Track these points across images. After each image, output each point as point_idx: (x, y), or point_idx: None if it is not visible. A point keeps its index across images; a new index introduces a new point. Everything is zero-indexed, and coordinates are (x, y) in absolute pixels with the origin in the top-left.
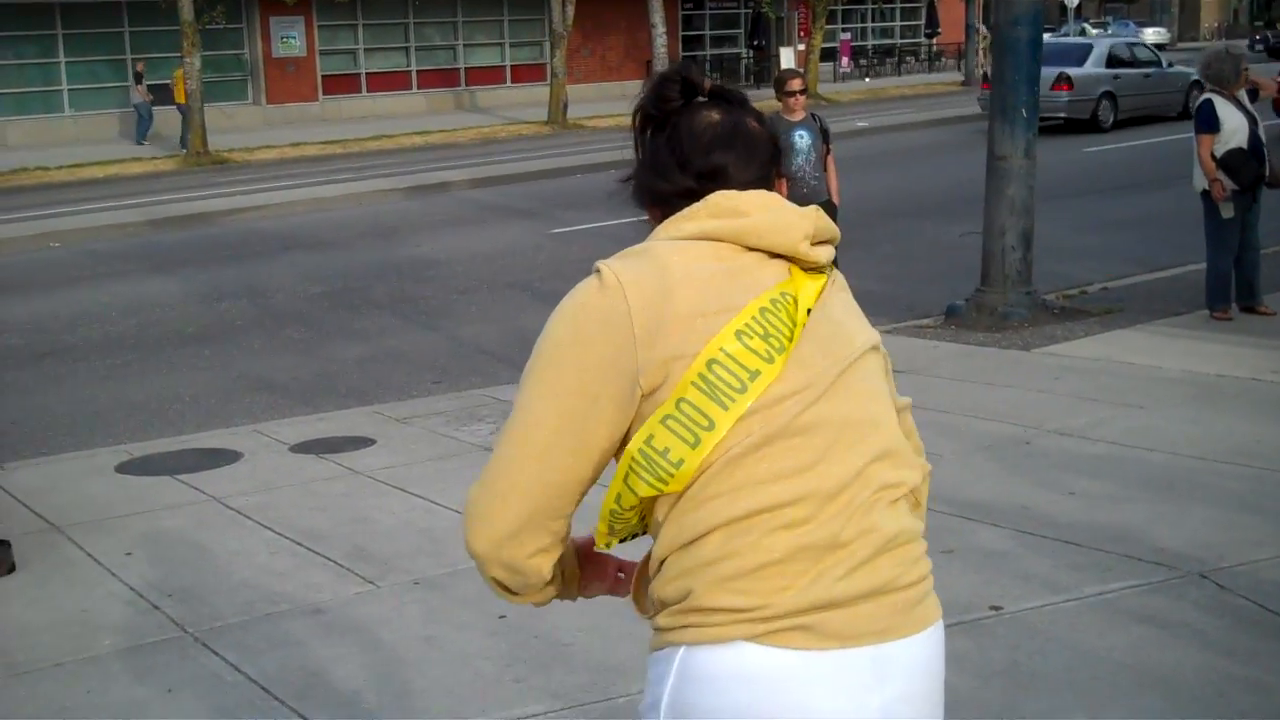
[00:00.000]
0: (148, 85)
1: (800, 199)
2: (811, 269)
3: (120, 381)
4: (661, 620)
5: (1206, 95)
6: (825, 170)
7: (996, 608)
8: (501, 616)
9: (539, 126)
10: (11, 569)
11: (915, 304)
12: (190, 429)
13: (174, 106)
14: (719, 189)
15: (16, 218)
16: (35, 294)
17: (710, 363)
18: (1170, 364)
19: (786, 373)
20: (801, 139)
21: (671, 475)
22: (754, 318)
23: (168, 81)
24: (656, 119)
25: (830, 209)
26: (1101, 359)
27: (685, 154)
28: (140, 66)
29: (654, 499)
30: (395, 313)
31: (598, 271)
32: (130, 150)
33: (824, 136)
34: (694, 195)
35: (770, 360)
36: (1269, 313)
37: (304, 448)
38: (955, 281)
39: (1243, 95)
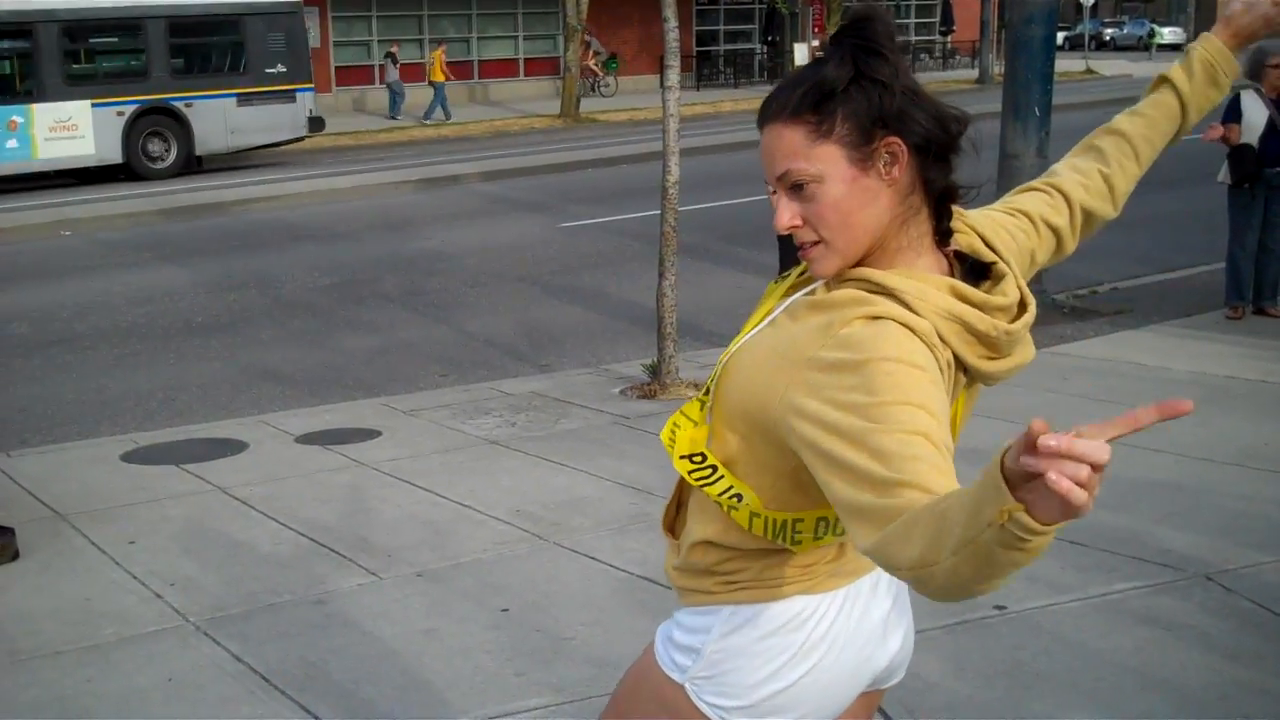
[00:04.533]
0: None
1: None
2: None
3: (128, 370)
4: (708, 584)
5: (1237, 90)
6: None
7: (1000, 607)
8: (504, 610)
9: (551, 120)
10: (15, 556)
11: None
12: (197, 419)
13: (428, 84)
14: None
15: (28, 205)
16: (45, 282)
17: None
18: (1180, 365)
19: None
20: None
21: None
22: None
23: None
24: None
25: None
26: (1111, 359)
27: None
28: (395, 48)
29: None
30: (404, 305)
31: (928, 346)
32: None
33: None
34: None
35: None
36: (1279, 315)
37: (310, 439)
38: None
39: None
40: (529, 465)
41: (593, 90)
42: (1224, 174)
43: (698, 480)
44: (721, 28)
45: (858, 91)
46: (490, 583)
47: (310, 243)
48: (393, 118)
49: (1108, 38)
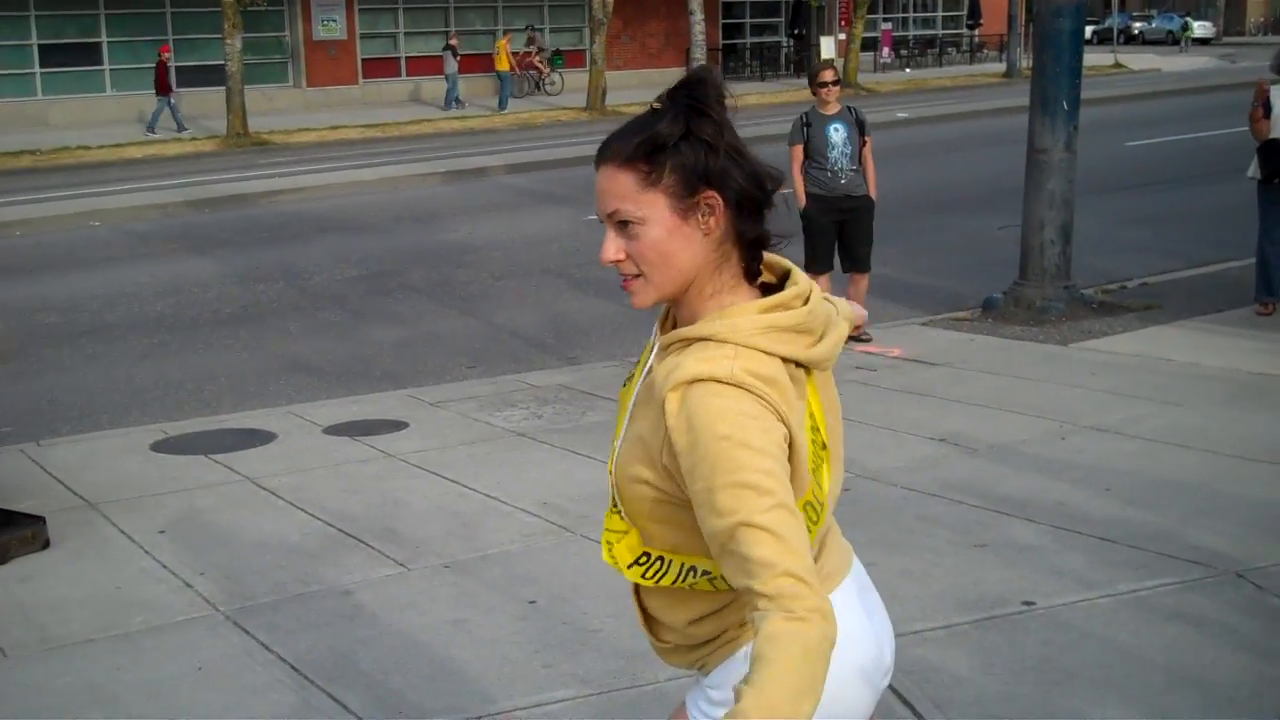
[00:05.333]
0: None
1: (838, 191)
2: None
3: (157, 361)
4: (719, 643)
5: (1273, 85)
6: (862, 164)
7: (1029, 603)
8: (531, 602)
9: (577, 113)
10: (46, 545)
11: (952, 297)
12: (226, 409)
13: (493, 74)
14: None
15: (58, 196)
16: (75, 272)
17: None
18: (1209, 361)
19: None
20: (836, 132)
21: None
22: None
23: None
24: None
25: (867, 203)
26: (1140, 355)
27: None
28: (454, 40)
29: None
30: (431, 297)
31: (759, 400)
32: (171, 130)
33: (860, 129)
34: None
35: (822, 487)
36: None
37: (338, 430)
38: (993, 275)
39: None
40: (556, 457)
41: (537, 88)
42: (1254, 169)
43: (654, 578)
44: (748, 20)
45: (686, 147)
46: (517, 574)
47: (337, 234)
48: (448, 108)
49: (1136, 32)
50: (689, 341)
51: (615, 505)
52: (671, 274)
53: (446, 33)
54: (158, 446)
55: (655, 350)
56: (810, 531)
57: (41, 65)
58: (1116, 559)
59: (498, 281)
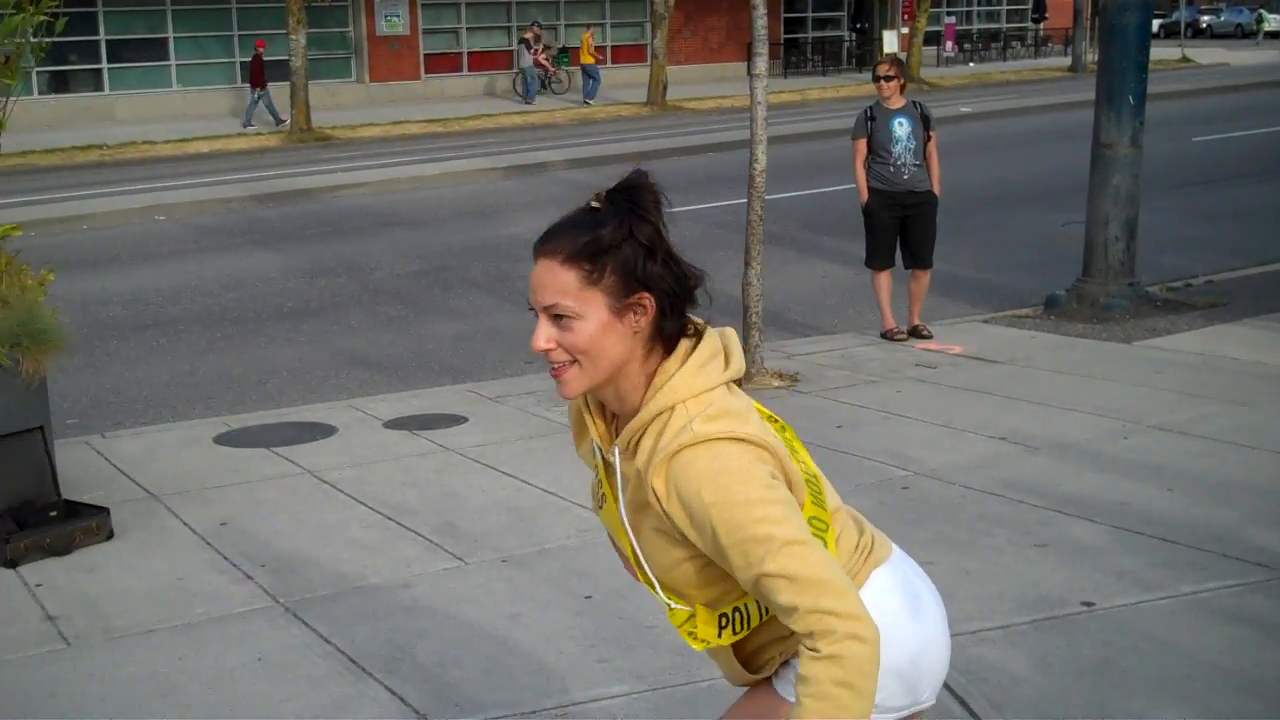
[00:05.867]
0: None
1: (900, 187)
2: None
3: (220, 354)
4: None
5: None
6: (926, 158)
7: (1089, 604)
8: (587, 597)
9: (638, 108)
10: (110, 536)
11: (1014, 293)
12: (287, 402)
13: (579, 67)
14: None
15: (124, 190)
16: (140, 266)
17: (806, 481)
18: (1275, 359)
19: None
20: (901, 126)
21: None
22: (781, 442)
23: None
24: None
25: (931, 199)
26: (1204, 353)
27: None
28: (528, 34)
29: None
30: (491, 292)
31: (742, 441)
32: (236, 125)
33: (925, 124)
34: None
35: (807, 463)
36: None
37: (398, 424)
38: (1056, 271)
39: None
40: None
41: (544, 87)
42: None
43: (744, 628)
44: (810, 14)
45: (628, 250)
46: (574, 569)
47: (399, 229)
48: (528, 102)
49: (1204, 25)
50: (642, 429)
51: (668, 604)
52: (603, 366)
53: (516, 27)
54: (220, 439)
55: (617, 459)
56: (824, 500)
57: (109, 61)
58: (1178, 560)
59: None
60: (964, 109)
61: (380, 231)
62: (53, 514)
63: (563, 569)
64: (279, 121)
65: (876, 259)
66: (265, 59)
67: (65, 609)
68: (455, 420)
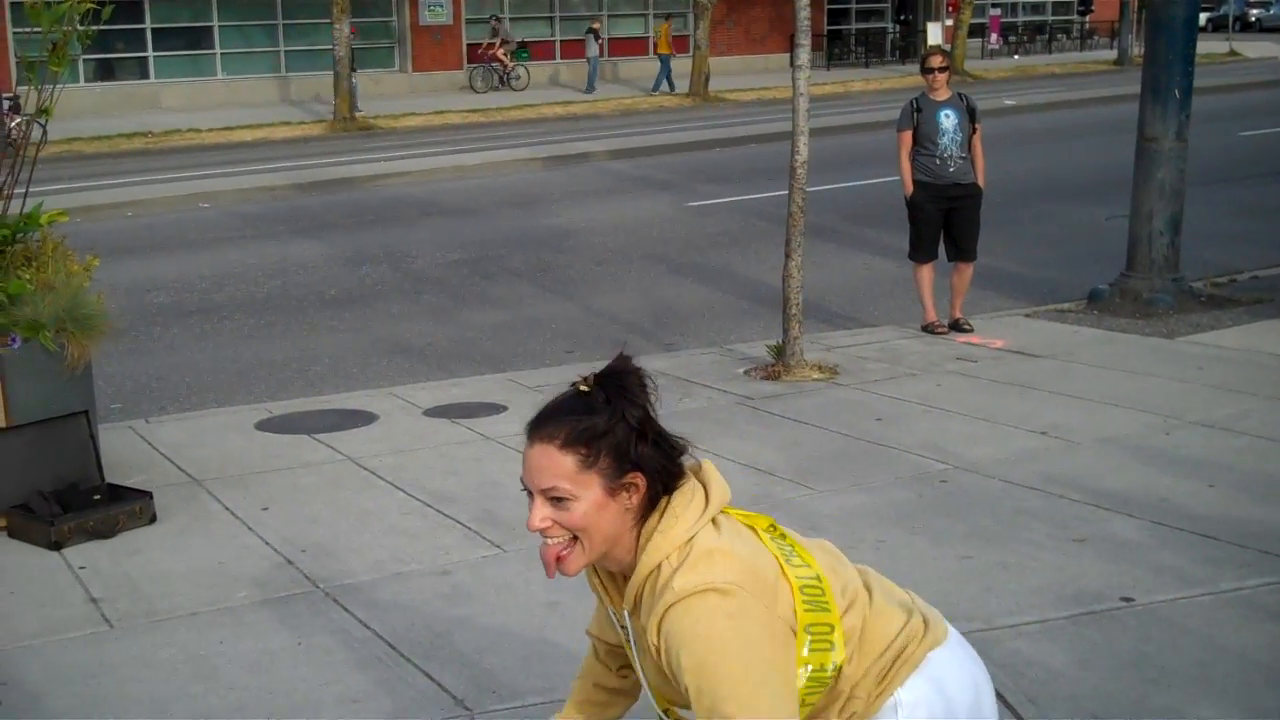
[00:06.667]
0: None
1: (946, 179)
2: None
3: (263, 341)
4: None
5: None
6: (971, 151)
7: (1128, 599)
8: None
9: (680, 99)
10: (153, 520)
11: (1057, 288)
12: (329, 389)
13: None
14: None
15: (169, 178)
16: (184, 253)
17: (800, 589)
18: None
19: (826, 569)
20: (948, 118)
21: (834, 671)
22: (777, 549)
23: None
24: None
25: (975, 191)
26: (1248, 349)
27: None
28: (596, 25)
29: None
30: (531, 281)
31: (717, 590)
32: (279, 114)
33: (971, 116)
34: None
35: (809, 565)
36: None
37: (438, 412)
38: (1099, 266)
39: None
40: None
41: (502, 83)
42: None
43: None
44: (853, 6)
45: (620, 433)
46: None
47: (440, 218)
48: (587, 92)
49: (1253, 19)
50: (640, 588)
51: None
52: (598, 541)
53: (560, 18)
54: (262, 425)
55: (629, 621)
56: (827, 603)
57: (154, 49)
58: (1219, 556)
59: (597, 266)
60: (1008, 101)
61: (422, 220)
62: (96, 497)
63: None
64: (354, 110)
65: (920, 251)
66: (309, 49)
67: (108, 591)
68: (495, 409)
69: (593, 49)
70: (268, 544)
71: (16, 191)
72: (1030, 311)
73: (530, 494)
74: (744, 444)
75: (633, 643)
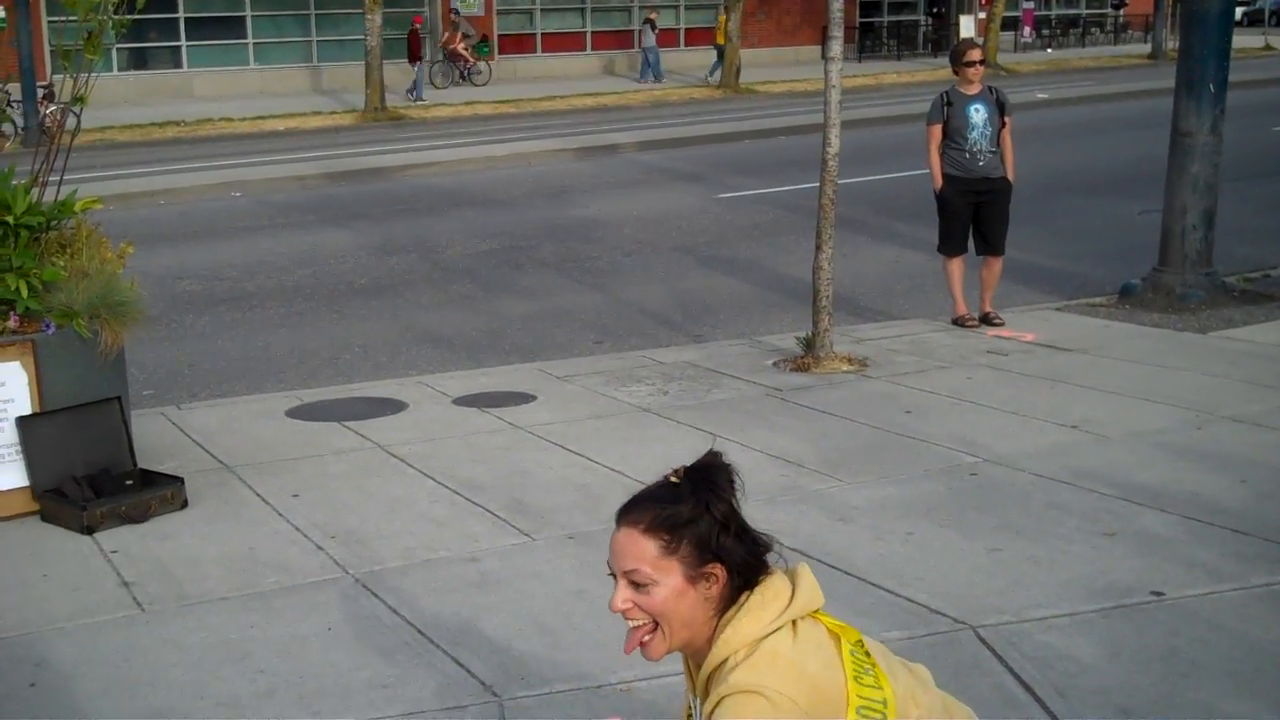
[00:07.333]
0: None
1: (976, 173)
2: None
3: (293, 329)
4: None
5: None
6: (1001, 145)
7: (1158, 593)
8: None
9: (711, 90)
10: (184, 505)
11: (1089, 282)
12: (359, 378)
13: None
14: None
15: (201, 167)
16: (215, 241)
17: (859, 710)
18: None
19: (901, 696)
20: (977, 112)
21: None
22: (854, 664)
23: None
24: None
25: (1005, 185)
26: None
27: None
28: (653, 15)
29: None
30: (561, 272)
31: (758, 693)
32: (311, 104)
33: (1001, 110)
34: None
35: (881, 688)
36: None
37: (467, 401)
38: (1131, 260)
39: None
40: (680, 434)
41: (463, 78)
42: None
43: None
44: None
45: (703, 524)
46: None
47: (470, 208)
48: (643, 80)
49: None
50: (709, 677)
51: None
52: (678, 627)
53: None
54: (292, 413)
55: (697, 706)
56: None
57: (188, 38)
58: (1250, 552)
59: (626, 257)
60: (1041, 95)
61: (451, 210)
62: (129, 483)
63: None
64: (418, 98)
65: (950, 245)
66: (340, 39)
67: (140, 575)
68: (524, 398)
69: (649, 39)
70: (298, 530)
71: (51, 179)
72: (1061, 305)
73: (615, 577)
74: (773, 435)
75: None
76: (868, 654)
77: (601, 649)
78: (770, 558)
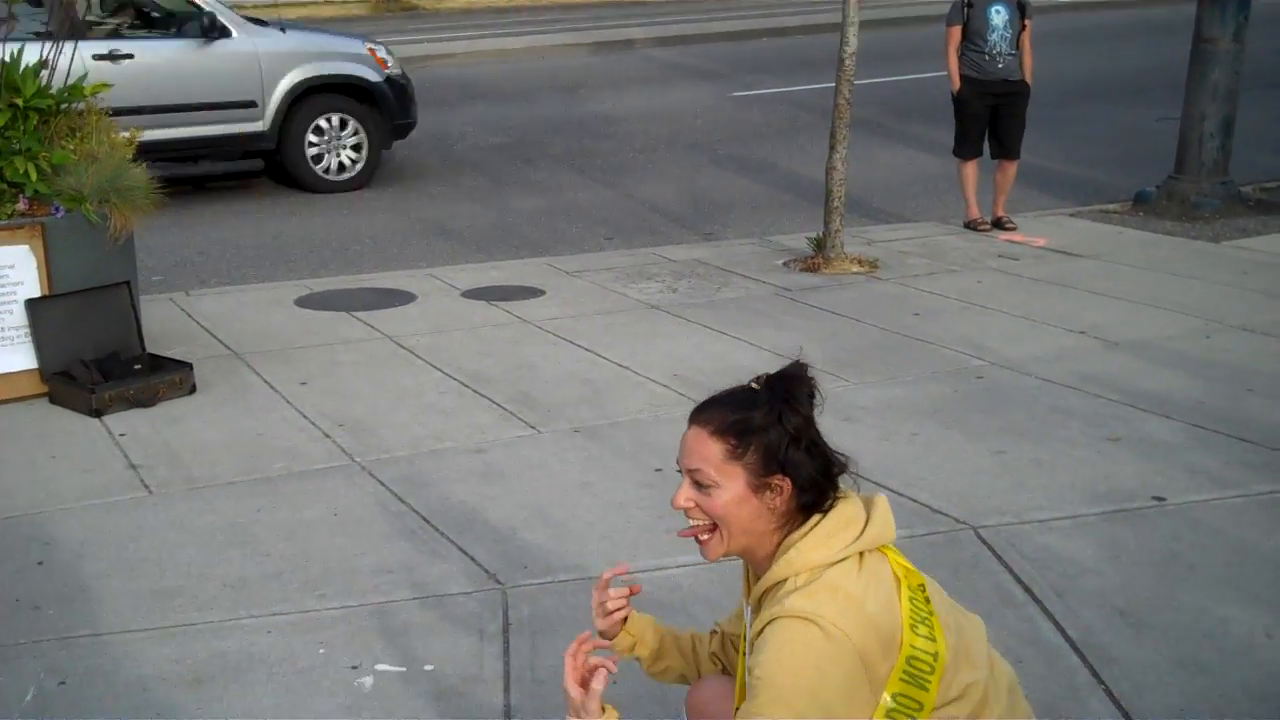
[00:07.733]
0: None
1: (994, 76)
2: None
3: (303, 219)
4: None
5: None
6: (1020, 47)
7: (1160, 498)
8: (657, 469)
9: None
10: (193, 390)
11: (1103, 188)
12: (368, 269)
13: None
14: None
15: None
16: None
17: (909, 659)
18: None
19: (952, 653)
20: (998, 14)
21: None
22: (912, 611)
23: None
24: None
25: (1023, 89)
26: None
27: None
28: None
29: None
30: (572, 167)
31: (814, 622)
32: None
33: (1022, 12)
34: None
35: (935, 640)
36: None
37: (476, 294)
38: (1148, 167)
39: None
40: (688, 331)
41: None
42: None
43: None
44: None
45: (774, 434)
46: (645, 442)
47: (482, 102)
48: None
49: None
50: (764, 593)
51: None
52: (737, 533)
53: None
54: (302, 302)
55: (748, 616)
56: (929, 682)
57: None
58: (1254, 460)
59: (639, 154)
60: None
61: (464, 103)
62: (137, 367)
63: (634, 442)
64: None
65: (965, 148)
66: None
67: (148, 459)
68: (533, 292)
69: None
70: (305, 417)
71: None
72: (1075, 211)
73: (682, 474)
74: (780, 334)
75: (747, 638)
76: (927, 601)
77: (605, 540)
78: (844, 480)
